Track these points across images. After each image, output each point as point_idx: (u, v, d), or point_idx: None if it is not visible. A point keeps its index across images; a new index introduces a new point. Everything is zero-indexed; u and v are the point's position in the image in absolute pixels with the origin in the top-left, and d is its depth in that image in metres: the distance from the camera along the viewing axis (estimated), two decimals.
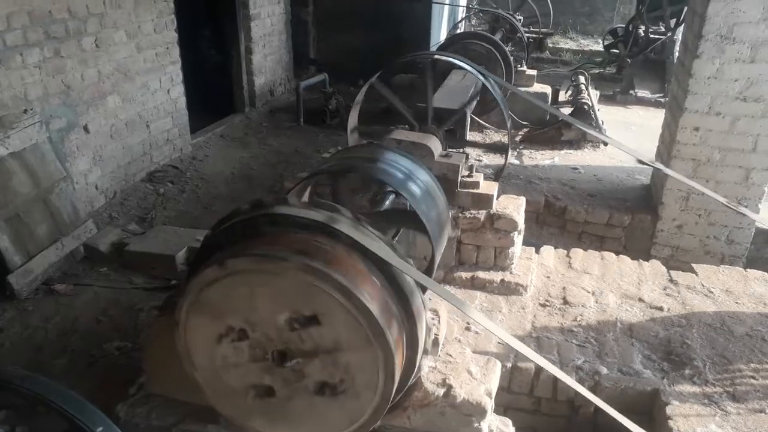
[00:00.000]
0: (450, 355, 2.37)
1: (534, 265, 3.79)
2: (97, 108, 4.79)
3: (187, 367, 2.04)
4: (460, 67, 4.33)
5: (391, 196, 3.04)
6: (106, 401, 2.52)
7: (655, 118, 6.75)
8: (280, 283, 1.79)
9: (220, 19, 7.23)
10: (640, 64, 8.70)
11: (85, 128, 4.67)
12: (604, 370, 2.96)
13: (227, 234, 2.05)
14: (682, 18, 8.30)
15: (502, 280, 3.60)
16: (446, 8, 9.41)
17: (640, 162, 5.07)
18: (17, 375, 1.66)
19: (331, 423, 1.95)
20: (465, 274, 3.66)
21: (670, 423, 2.66)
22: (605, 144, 6.03)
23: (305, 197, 2.86)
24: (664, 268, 3.92)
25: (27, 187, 3.88)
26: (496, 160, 5.80)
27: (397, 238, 2.91)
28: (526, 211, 4.42)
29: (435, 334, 2.26)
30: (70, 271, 3.96)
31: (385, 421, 2.23)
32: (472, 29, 9.63)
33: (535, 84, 7.02)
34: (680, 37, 6.37)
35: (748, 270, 4.02)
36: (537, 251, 4.01)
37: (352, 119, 4.06)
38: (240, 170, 5.86)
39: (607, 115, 7.20)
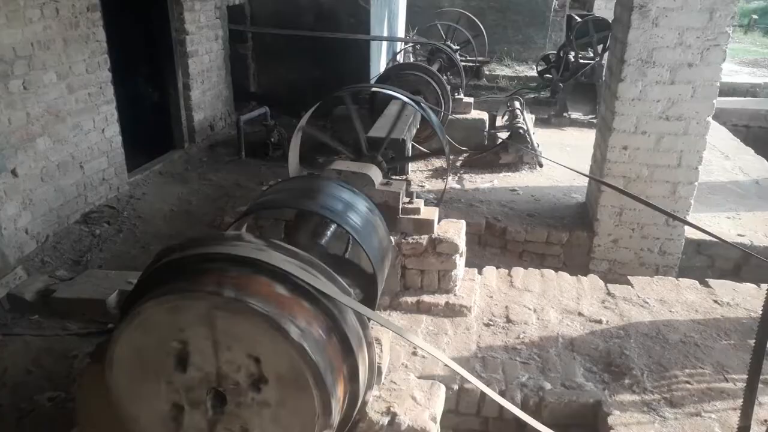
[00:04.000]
0: (394, 383, 2.37)
1: (477, 286, 3.85)
2: (26, 151, 4.63)
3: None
4: (396, 98, 4.43)
5: (333, 227, 3.05)
6: None
7: (589, 138, 6.99)
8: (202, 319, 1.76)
9: (157, 57, 7.18)
10: (572, 87, 9.07)
11: (14, 172, 4.50)
12: (548, 386, 3.01)
13: (158, 274, 2.01)
14: (608, 44, 8.74)
15: (447, 303, 3.64)
16: (385, 41, 9.61)
17: (600, 179, 5.24)
18: None
19: None
20: (410, 299, 3.68)
21: None
22: (541, 165, 6.23)
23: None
24: (601, 282, 4.05)
25: None
26: (438, 185, 5.91)
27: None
28: (469, 234, 4.50)
29: (378, 363, 2.26)
30: None
31: None
32: (411, 60, 9.84)
33: (473, 111, 7.21)
34: (606, 62, 6.69)
35: (680, 279, 4.20)
36: (480, 272, 4.08)
37: (293, 152, 4.07)
38: (179, 207, 5.75)
39: (543, 137, 7.45)
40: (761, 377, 3.10)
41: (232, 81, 8.38)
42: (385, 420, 2.17)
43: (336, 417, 1.83)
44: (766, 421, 2.86)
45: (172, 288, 1.79)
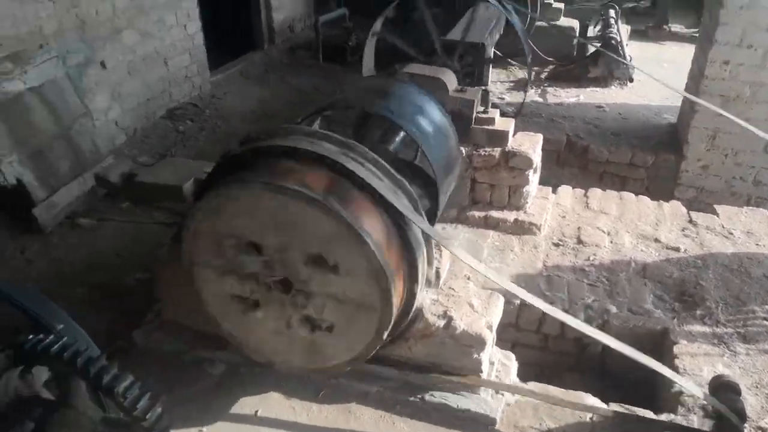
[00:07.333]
0: (453, 289, 2.39)
1: (550, 205, 3.74)
2: (113, 43, 4.77)
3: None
4: None
5: (402, 133, 3.00)
6: (127, 329, 2.63)
7: (690, 54, 6.44)
8: (272, 208, 1.83)
9: None
10: None
11: (102, 64, 4.67)
12: (614, 309, 2.95)
13: (229, 164, 2.06)
14: None
15: (516, 220, 3.56)
16: None
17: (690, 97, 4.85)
18: None
19: (328, 352, 2.02)
20: (478, 213, 3.63)
21: (677, 362, 2.66)
22: (631, 80, 5.81)
23: None
24: (684, 209, 3.83)
25: (48, 122, 3.94)
26: (519, 98, 5.66)
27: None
28: (547, 151, 4.32)
29: (436, 268, 2.27)
30: (92, 206, 4.05)
31: (388, 352, 2.29)
32: None
33: (562, 18, 6.73)
34: None
35: None
36: (554, 191, 3.95)
37: (367, 58, 3.98)
38: (259, 108, 5.84)
39: (639, 51, 6.90)
40: None
41: None
42: (442, 323, 2.21)
43: (394, 309, 1.89)
44: None
45: (239, 179, 1.85)
